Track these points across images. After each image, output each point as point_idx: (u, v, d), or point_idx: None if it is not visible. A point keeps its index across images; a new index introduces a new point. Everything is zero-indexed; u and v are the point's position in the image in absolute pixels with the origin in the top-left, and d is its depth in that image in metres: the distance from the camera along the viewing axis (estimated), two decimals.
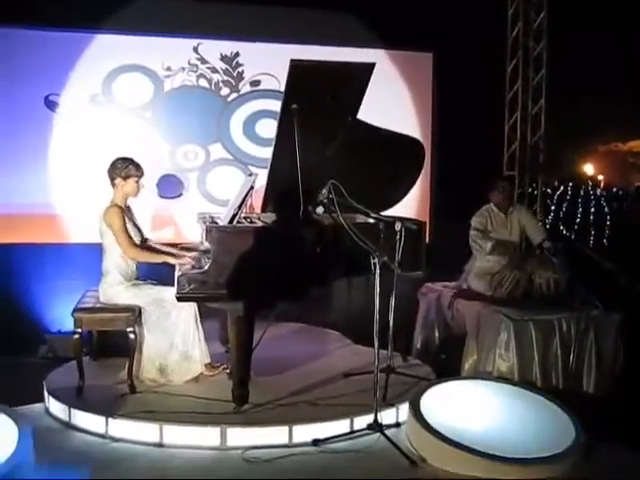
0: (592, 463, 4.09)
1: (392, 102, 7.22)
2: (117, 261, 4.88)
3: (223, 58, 7.05)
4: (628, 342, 5.27)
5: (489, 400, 4.49)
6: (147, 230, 5.35)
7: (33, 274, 6.49)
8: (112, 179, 4.91)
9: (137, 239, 4.94)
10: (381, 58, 7.09)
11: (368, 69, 4.68)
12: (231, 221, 4.54)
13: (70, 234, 6.70)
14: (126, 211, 4.96)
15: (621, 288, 5.23)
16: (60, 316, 6.15)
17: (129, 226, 4.88)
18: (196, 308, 4.89)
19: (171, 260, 4.81)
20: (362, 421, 4.39)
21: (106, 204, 4.91)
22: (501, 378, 4.92)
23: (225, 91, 7.10)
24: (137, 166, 4.93)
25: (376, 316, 4.17)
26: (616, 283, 5.23)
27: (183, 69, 6.96)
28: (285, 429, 4.29)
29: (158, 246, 5.21)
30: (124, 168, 4.90)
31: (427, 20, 6.99)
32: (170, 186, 6.97)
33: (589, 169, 19.95)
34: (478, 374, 5.09)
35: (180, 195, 7.00)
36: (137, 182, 4.93)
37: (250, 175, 5.04)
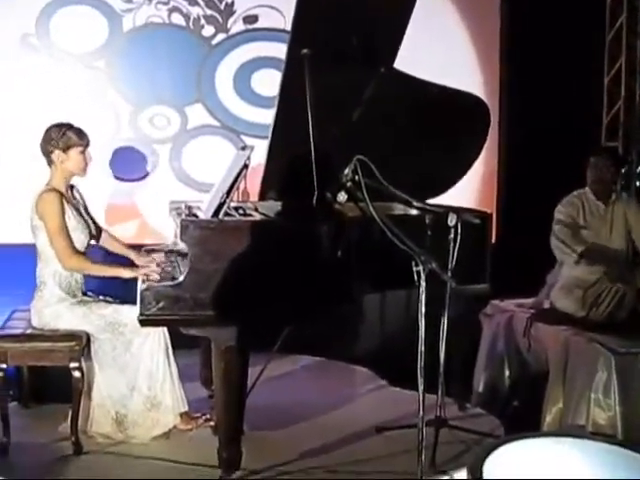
0: None
1: (445, 48, 7.21)
2: (56, 269, 4.89)
3: None
4: None
5: (581, 466, 4.46)
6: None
7: None
8: (48, 154, 4.93)
9: (82, 239, 4.96)
10: None
11: None
12: (216, 213, 4.53)
13: None
14: (69, 196, 4.99)
15: None
16: None
17: (71, 220, 4.89)
18: (167, 336, 4.91)
19: (127, 273, 4.78)
20: None
21: (40, 188, 4.93)
22: (599, 435, 4.88)
23: (209, 31, 7.11)
24: (79, 132, 4.95)
25: (421, 347, 4.14)
26: None
27: (149, 0, 6.97)
28: None
29: (115, 244, 5.29)
30: (61, 136, 4.91)
31: None
32: (128, 164, 6.98)
33: None
34: (566, 429, 5.07)
35: (144, 177, 7.01)
36: (82, 153, 4.95)
37: (243, 148, 5.03)
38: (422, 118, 5.08)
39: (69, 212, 4.88)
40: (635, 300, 5.44)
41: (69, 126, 4.95)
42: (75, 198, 5.08)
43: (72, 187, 5.09)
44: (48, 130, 4.94)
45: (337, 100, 4.78)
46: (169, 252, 5.14)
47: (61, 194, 4.89)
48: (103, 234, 5.27)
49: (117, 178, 6.93)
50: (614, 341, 5.10)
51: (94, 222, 5.17)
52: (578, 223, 5.72)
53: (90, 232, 5.06)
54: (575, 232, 5.68)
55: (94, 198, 5.28)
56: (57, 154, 4.91)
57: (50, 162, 4.94)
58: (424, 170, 5.03)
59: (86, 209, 5.15)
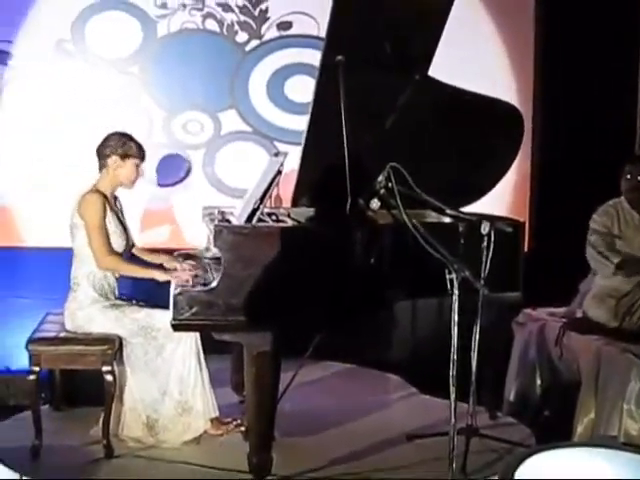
0: None
1: (479, 56, 7.18)
2: (91, 269, 4.93)
3: None
4: None
5: (613, 477, 4.43)
6: (134, 230, 5.40)
7: None
8: (104, 157, 5.00)
9: (120, 243, 4.99)
10: None
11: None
12: (250, 219, 4.54)
13: (24, 235, 6.77)
14: (112, 202, 5.04)
15: None
16: (9, 348, 6.19)
17: (111, 224, 4.94)
18: (199, 341, 4.92)
19: (160, 276, 4.83)
20: None
21: (86, 188, 4.98)
22: (631, 446, 4.85)
23: (242, 37, 7.11)
24: (139, 145, 5.05)
25: (453, 355, 4.15)
26: None
27: (184, 6, 6.98)
28: None
29: (144, 254, 5.32)
30: (122, 144, 4.99)
31: None
32: (170, 170, 7.00)
33: None
34: (597, 439, 5.03)
35: (184, 178, 7.02)
36: (137, 166, 5.02)
37: (277, 155, 5.04)
38: (456, 126, 5.07)
39: (110, 217, 4.93)
40: None
41: (130, 137, 5.03)
42: (117, 206, 5.12)
43: (115, 198, 5.14)
44: (110, 135, 5.03)
45: (371, 107, 4.79)
46: (202, 258, 5.16)
47: (105, 197, 4.94)
48: (134, 249, 5.29)
49: (160, 185, 6.94)
50: None
51: (128, 233, 5.20)
52: (612, 232, 5.69)
53: (127, 239, 5.09)
54: (611, 242, 5.64)
55: (128, 203, 5.30)
56: (114, 159, 4.97)
57: (102, 166, 5.01)
58: (456, 178, 5.03)
59: (124, 219, 5.19)
